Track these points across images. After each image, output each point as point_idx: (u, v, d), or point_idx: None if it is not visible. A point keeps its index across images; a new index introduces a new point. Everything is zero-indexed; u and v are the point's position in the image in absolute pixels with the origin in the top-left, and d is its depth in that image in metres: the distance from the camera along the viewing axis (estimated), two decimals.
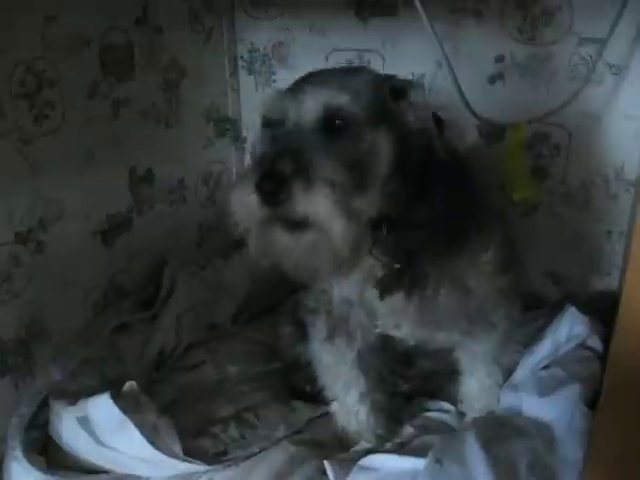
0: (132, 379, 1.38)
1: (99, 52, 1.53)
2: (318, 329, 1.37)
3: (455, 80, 1.39)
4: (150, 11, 1.65)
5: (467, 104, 1.39)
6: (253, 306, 1.86)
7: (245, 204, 1.00)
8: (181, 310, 1.69)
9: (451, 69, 1.39)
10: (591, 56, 1.54)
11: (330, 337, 1.34)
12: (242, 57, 1.95)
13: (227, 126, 1.98)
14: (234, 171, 2.04)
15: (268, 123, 1.12)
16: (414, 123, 1.10)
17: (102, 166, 1.58)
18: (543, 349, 1.50)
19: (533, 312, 1.66)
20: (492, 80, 1.64)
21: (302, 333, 1.47)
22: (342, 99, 1.04)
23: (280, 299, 1.80)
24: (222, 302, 1.80)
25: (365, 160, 1.05)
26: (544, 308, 1.71)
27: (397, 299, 1.20)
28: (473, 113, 1.38)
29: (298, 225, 0.98)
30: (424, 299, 1.20)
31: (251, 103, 1.98)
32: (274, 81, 1.92)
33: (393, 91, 1.11)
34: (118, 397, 1.29)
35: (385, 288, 1.19)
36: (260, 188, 0.97)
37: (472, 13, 1.60)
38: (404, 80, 1.14)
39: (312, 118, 1.04)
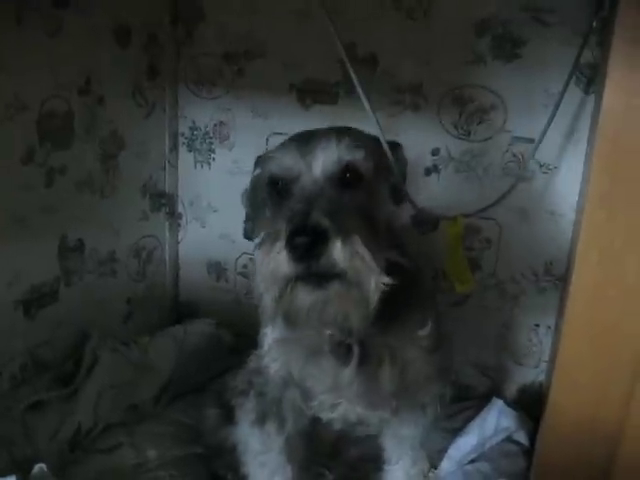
0: (43, 460, 1.30)
1: (37, 118, 1.49)
2: (247, 411, 1.32)
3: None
4: (94, 81, 1.63)
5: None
6: (177, 387, 1.78)
7: (273, 263, 0.97)
8: (101, 388, 1.61)
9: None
10: (522, 154, 1.60)
11: (260, 421, 1.29)
12: (183, 134, 1.95)
13: (163, 201, 1.96)
14: (167, 247, 2.00)
15: (276, 181, 1.11)
16: (396, 177, 1.20)
17: (32, 233, 1.53)
18: (470, 442, 1.49)
19: (461, 403, 1.67)
20: (428, 172, 1.68)
21: (228, 416, 1.42)
22: (358, 154, 1.08)
23: (206, 380, 1.77)
24: (145, 382, 1.72)
25: (375, 212, 1.10)
26: (472, 400, 1.71)
27: (346, 372, 1.18)
28: (410, 202, 1.40)
29: (326, 278, 0.97)
30: (369, 372, 1.19)
31: (189, 180, 1.98)
32: (213, 159, 1.92)
33: (391, 147, 1.20)
34: None
35: (341, 356, 1.17)
36: (295, 245, 0.95)
37: (410, 107, 1.65)
38: (394, 140, 1.25)
39: (330, 173, 1.06)
